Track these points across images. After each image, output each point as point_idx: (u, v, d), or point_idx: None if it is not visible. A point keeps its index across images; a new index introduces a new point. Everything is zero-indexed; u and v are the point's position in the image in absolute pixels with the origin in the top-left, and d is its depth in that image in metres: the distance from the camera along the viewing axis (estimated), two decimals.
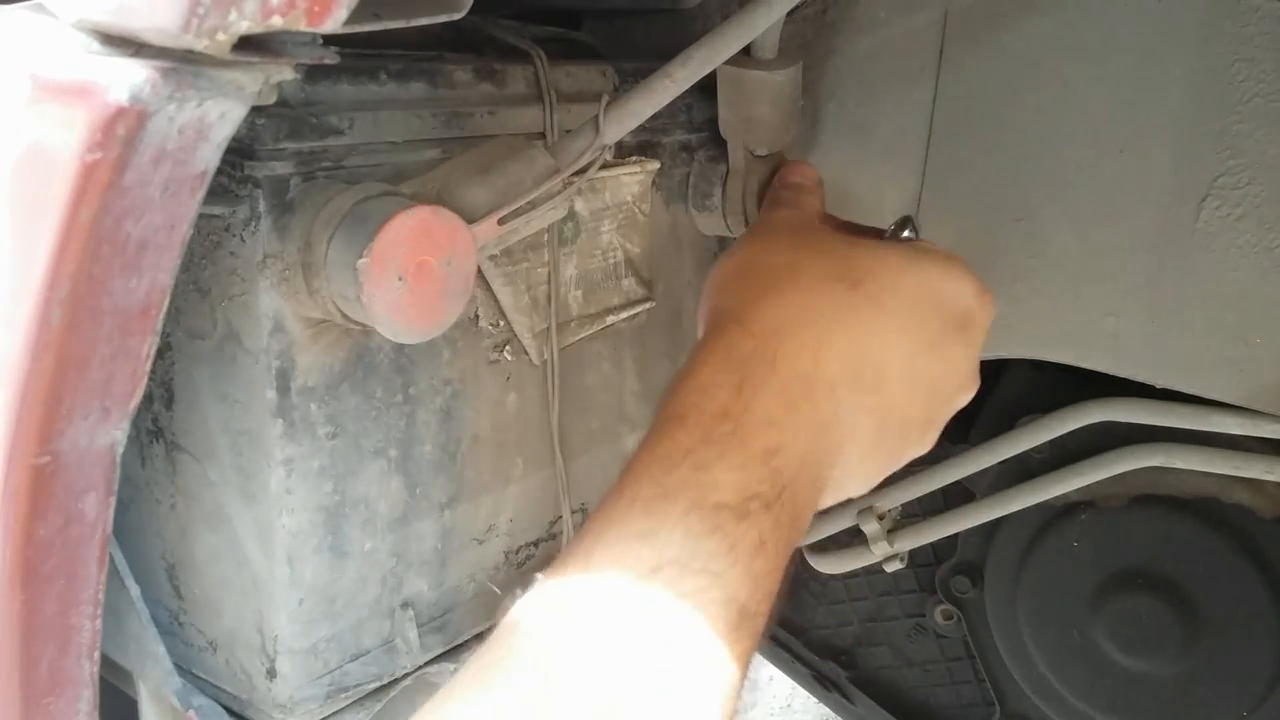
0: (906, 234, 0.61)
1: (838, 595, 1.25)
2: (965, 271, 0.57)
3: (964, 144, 0.78)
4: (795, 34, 0.79)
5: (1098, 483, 0.94)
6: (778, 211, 0.63)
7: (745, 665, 0.43)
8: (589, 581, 0.43)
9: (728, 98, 0.72)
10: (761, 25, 0.61)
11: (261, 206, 0.52)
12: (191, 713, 0.61)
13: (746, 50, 0.67)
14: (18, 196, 0.38)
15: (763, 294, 0.52)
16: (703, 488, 0.45)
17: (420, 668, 0.67)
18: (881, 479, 0.55)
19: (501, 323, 0.67)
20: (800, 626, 1.28)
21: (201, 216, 0.42)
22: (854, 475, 0.53)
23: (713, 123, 0.79)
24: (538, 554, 0.75)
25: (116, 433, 0.43)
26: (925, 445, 0.56)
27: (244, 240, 0.53)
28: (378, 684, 0.65)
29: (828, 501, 0.52)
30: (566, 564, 0.44)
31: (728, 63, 0.65)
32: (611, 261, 0.74)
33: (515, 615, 0.43)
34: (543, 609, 0.43)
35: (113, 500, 0.45)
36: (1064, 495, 0.99)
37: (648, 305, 0.78)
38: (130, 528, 0.63)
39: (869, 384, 0.51)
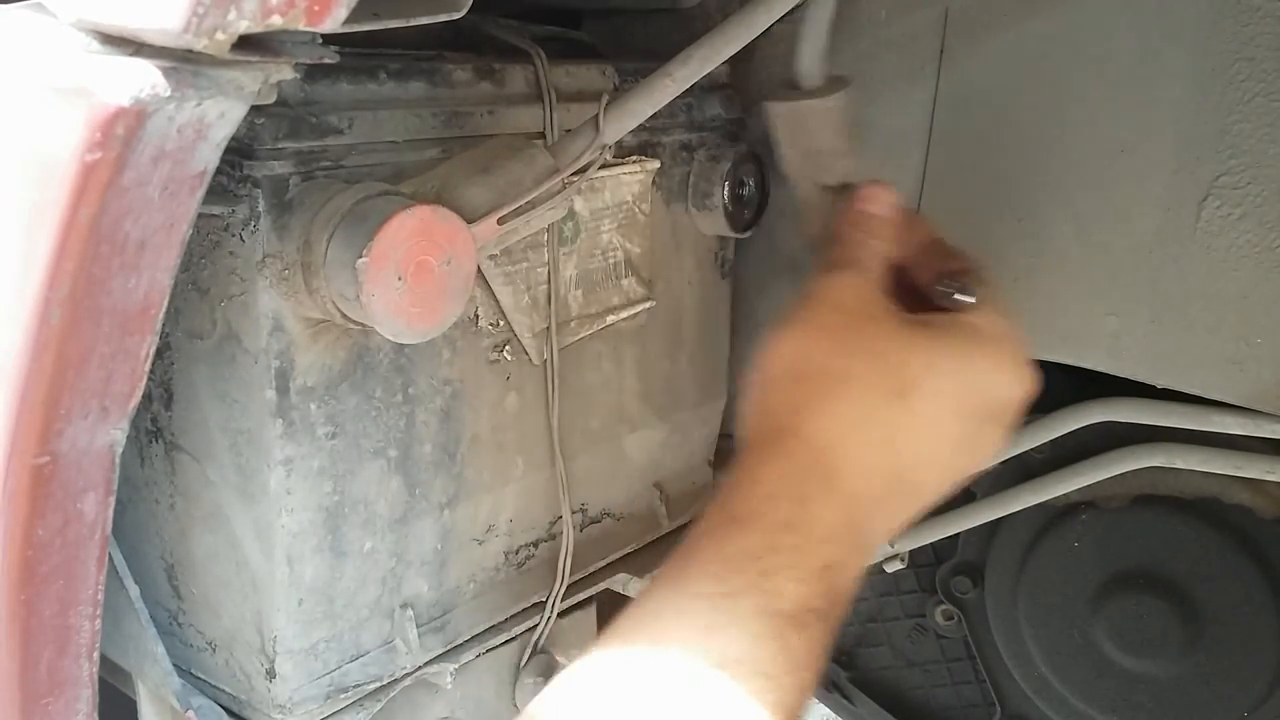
0: (969, 298, 0.60)
1: None
2: (1012, 360, 0.58)
3: (964, 144, 0.78)
4: (796, 34, 0.79)
5: (1098, 483, 0.94)
6: (835, 278, 0.60)
7: None
8: (652, 670, 0.45)
9: (784, 134, 0.69)
10: (761, 25, 0.61)
11: (261, 206, 0.52)
12: (191, 713, 0.61)
13: (792, 84, 0.64)
14: (17, 196, 0.38)
15: (816, 402, 0.54)
16: (767, 594, 0.47)
17: (420, 668, 0.67)
18: None
19: (501, 322, 0.67)
20: None
21: (201, 216, 0.42)
22: None
23: (713, 122, 0.79)
24: (537, 554, 0.75)
25: (116, 433, 0.43)
26: None
27: (243, 240, 0.53)
28: (377, 684, 0.65)
29: None
30: (629, 642, 0.46)
31: (777, 98, 0.63)
32: (611, 261, 0.74)
33: (560, 703, 0.45)
34: (589, 698, 0.45)
35: (112, 500, 0.45)
36: (1064, 495, 0.99)
37: (648, 305, 0.77)
38: (129, 528, 0.63)
39: (906, 494, 0.55)
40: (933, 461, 0.56)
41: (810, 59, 0.61)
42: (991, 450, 0.59)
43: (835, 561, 0.50)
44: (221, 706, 0.63)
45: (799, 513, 0.50)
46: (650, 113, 0.63)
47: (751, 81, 0.81)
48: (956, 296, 0.60)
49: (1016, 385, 0.58)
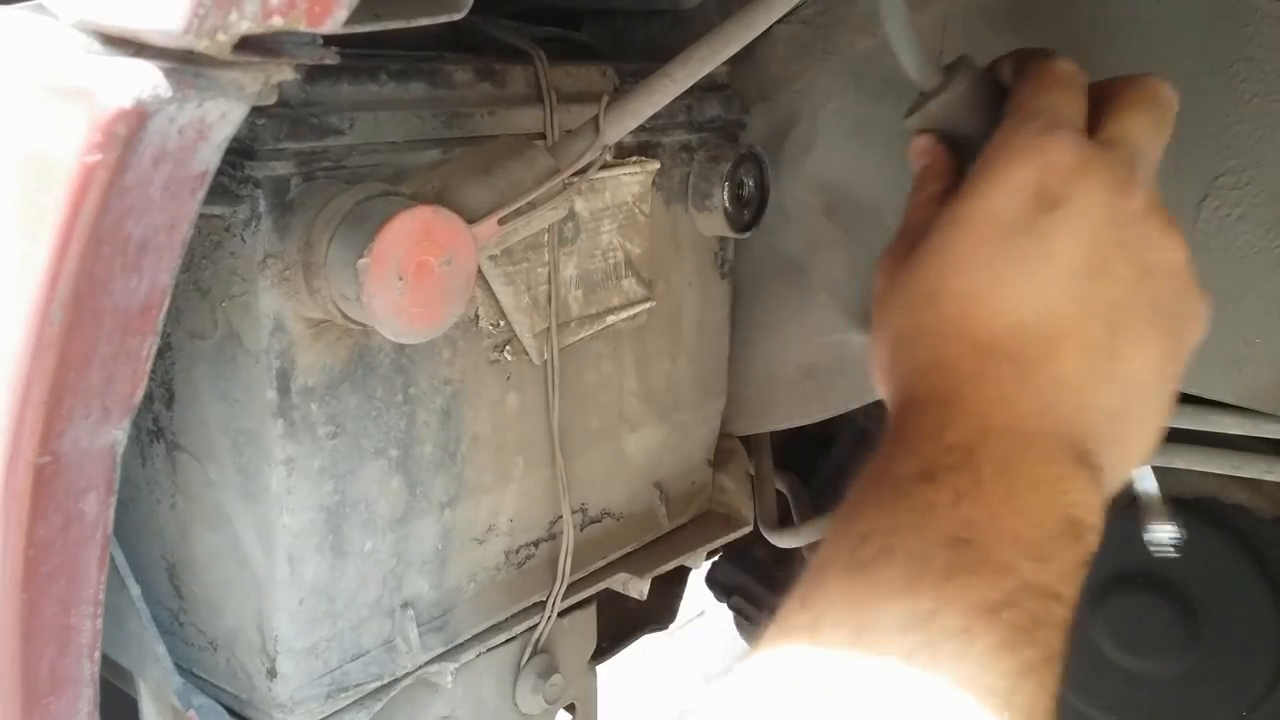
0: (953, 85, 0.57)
1: None
2: (1003, 162, 0.51)
3: None
4: (795, 34, 0.79)
5: None
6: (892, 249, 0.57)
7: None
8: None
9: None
10: (761, 25, 0.61)
11: (262, 206, 0.52)
12: (192, 712, 0.61)
13: (923, 94, 0.60)
14: (18, 197, 0.38)
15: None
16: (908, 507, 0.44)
17: (420, 667, 0.67)
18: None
19: (502, 323, 0.67)
20: None
21: (202, 216, 0.42)
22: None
23: (713, 122, 0.79)
24: (537, 554, 0.75)
25: (117, 432, 0.43)
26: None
27: (244, 240, 0.53)
28: (378, 684, 0.65)
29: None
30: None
31: (910, 111, 0.60)
32: (611, 261, 0.74)
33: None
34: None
35: (113, 500, 0.45)
36: None
37: (648, 305, 0.78)
38: (130, 528, 0.63)
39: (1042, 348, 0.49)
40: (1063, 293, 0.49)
41: (915, 65, 0.59)
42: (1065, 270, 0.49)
43: (958, 442, 0.45)
44: (223, 706, 0.63)
45: (898, 422, 0.48)
46: (650, 113, 0.63)
47: (751, 82, 0.82)
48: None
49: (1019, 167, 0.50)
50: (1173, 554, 0.62)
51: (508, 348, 0.68)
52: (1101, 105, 0.55)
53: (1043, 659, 0.40)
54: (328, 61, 0.40)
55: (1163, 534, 0.62)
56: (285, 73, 0.39)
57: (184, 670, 0.63)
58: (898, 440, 0.47)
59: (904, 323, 0.52)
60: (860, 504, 0.45)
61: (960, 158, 0.60)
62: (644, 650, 1.16)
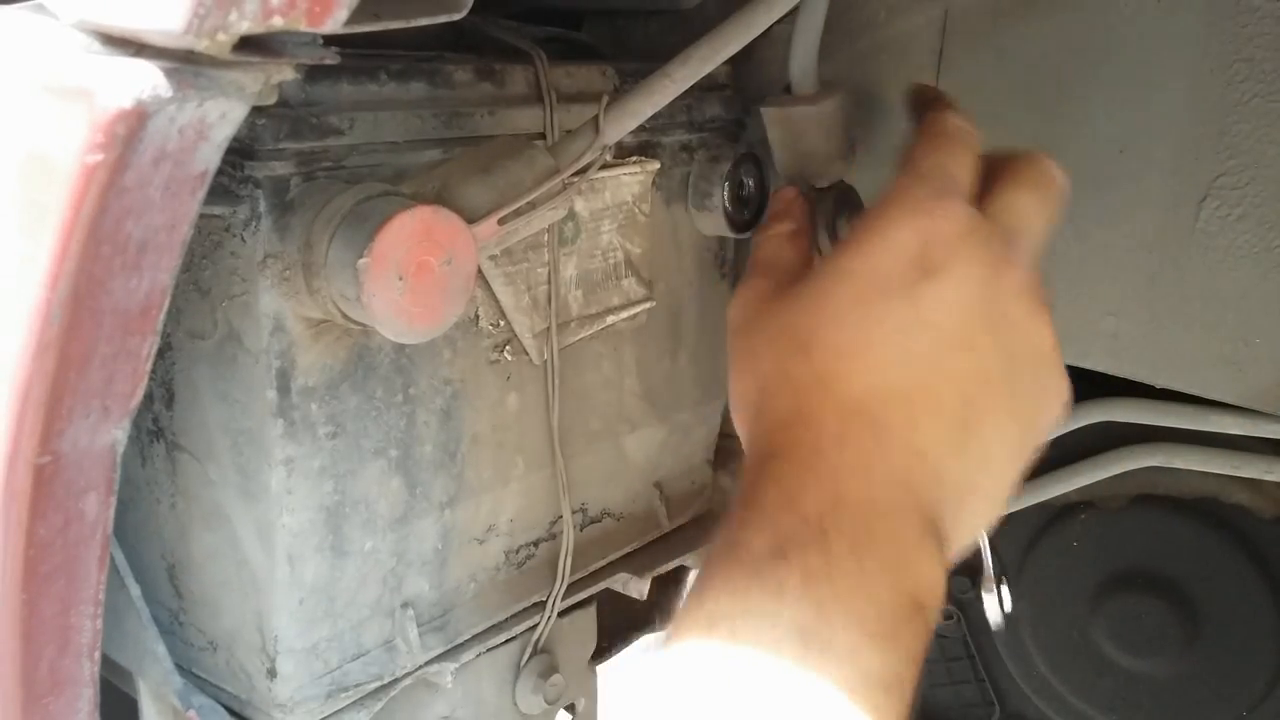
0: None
1: None
2: (878, 227, 0.51)
3: None
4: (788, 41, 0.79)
5: (1097, 483, 0.94)
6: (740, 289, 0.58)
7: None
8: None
9: (777, 137, 0.70)
10: (761, 25, 0.61)
11: (262, 206, 0.52)
12: (192, 712, 0.61)
13: (787, 88, 0.65)
14: (18, 197, 0.38)
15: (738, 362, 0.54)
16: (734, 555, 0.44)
17: (420, 667, 0.67)
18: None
19: (502, 323, 0.67)
20: None
21: (202, 216, 0.42)
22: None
23: (713, 122, 0.79)
24: (538, 554, 0.75)
25: (117, 432, 0.43)
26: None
27: (244, 240, 0.53)
28: (378, 684, 0.65)
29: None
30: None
31: (770, 104, 0.64)
32: (611, 261, 0.74)
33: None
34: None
35: (113, 500, 0.45)
36: (1064, 495, 1.00)
37: (648, 305, 0.78)
38: (130, 527, 0.63)
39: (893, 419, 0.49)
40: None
41: (801, 66, 0.62)
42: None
43: (812, 513, 0.44)
44: (222, 706, 0.63)
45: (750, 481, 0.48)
46: (650, 113, 0.63)
47: (751, 82, 0.82)
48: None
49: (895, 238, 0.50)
50: (1000, 625, 0.63)
51: (508, 348, 0.68)
52: (993, 176, 0.56)
53: None
54: (328, 61, 0.40)
55: (994, 604, 0.64)
56: (285, 73, 0.39)
57: (184, 670, 0.63)
58: (752, 505, 0.46)
59: (773, 369, 0.52)
60: (712, 578, 0.45)
61: (800, 170, 0.67)
62: (644, 650, 1.16)
